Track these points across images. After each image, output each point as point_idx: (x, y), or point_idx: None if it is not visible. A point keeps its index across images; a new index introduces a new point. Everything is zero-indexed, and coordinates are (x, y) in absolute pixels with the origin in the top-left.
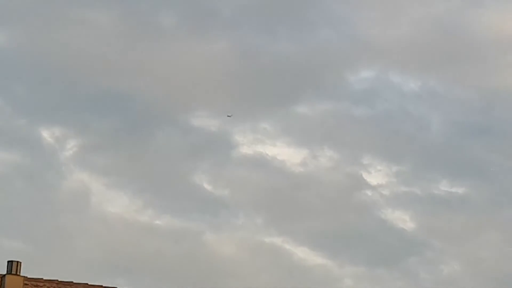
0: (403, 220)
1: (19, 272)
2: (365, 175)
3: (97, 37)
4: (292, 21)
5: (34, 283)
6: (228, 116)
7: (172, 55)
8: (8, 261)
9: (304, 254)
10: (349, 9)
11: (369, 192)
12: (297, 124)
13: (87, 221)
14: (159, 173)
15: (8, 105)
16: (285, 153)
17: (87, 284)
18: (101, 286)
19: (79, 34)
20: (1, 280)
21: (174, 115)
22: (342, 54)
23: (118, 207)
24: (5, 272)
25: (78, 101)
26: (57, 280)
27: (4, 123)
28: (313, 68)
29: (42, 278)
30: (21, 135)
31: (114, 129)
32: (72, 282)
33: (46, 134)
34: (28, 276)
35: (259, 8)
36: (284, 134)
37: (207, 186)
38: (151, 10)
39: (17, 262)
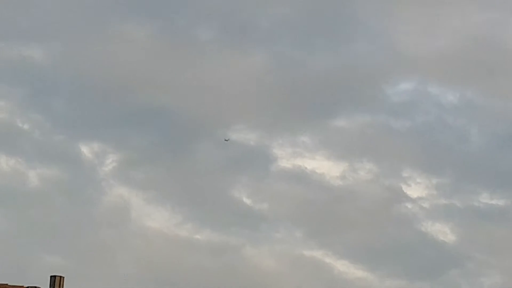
0: (443, 232)
1: (62, 287)
2: (404, 188)
3: (136, 52)
4: (330, 34)
5: None
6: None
7: (210, 69)
8: (51, 276)
9: (344, 267)
10: (387, 22)
11: (409, 205)
12: (335, 137)
13: (127, 236)
14: (198, 187)
15: (47, 121)
16: (324, 166)
17: None
18: None
19: (117, 50)
20: None
21: (212, 129)
22: (380, 67)
23: (157, 221)
24: (48, 287)
25: (117, 116)
26: None
27: (44, 139)
28: (351, 81)
29: None
30: (60, 150)
31: (152, 143)
32: None
33: (86, 150)
34: None
35: (297, 22)
36: (323, 147)
37: (247, 200)
38: (188, 24)
39: (60, 276)
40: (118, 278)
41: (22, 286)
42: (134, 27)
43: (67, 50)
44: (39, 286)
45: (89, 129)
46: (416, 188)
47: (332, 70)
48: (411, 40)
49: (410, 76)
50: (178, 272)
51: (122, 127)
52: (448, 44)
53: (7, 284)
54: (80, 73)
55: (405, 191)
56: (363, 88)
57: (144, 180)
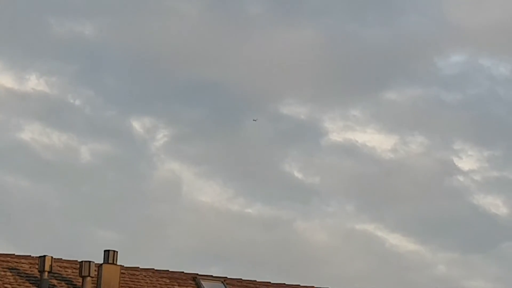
0: (495, 205)
1: (116, 261)
2: (456, 161)
3: (186, 27)
4: (381, 6)
5: (131, 272)
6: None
7: (260, 43)
8: (105, 251)
9: (396, 241)
10: None
11: (460, 178)
12: (387, 110)
13: (178, 211)
14: (249, 162)
15: (99, 96)
16: (375, 140)
17: (182, 272)
18: (196, 274)
19: (168, 24)
20: (98, 269)
21: (263, 103)
22: (431, 39)
23: (209, 196)
24: (102, 262)
25: (168, 91)
26: (153, 268)
27: (95, 114)
28: (402, 54)
29: (138, 267)
30: (112, 126)
31: (204, 118)
32: (168, 270)
33: (137, 125)
34: (125, 265)
35: None
36: (374, 121)
37: (298, 174)
38: None
39: (114, 251)
40: (170, 252)
41: (76, 261)
42: (185, 2)
43: (118, 26)
44: (93, 261)
45: (140, 104)
46: (468, 160)
47: (383, 43)
48: (463, 11)
49: (461, 48)
50: (230, 246)
51: (173, 102)
52: (500, 16)
53: (61, 259)
54: (131, 49)
55: (456, 164)
56: (415, 61)
57: (196, 154)
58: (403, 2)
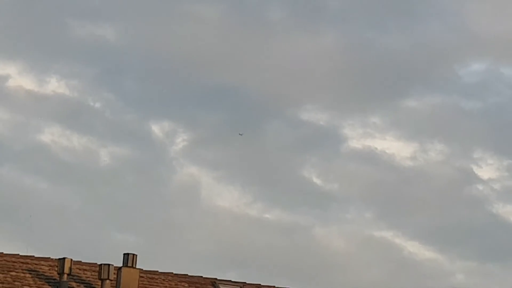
0: None
1: (135, 265)
2: (475, 169)
3: (206, 32)
4: (401, 14)
5: (150, 275)
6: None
7: (280, 49)
8: (124, 254)
9: (414, 249)
10: (460, 1)
11: (480, 186)
12: (406, 117)
13: (197, 215)
14: (268, 167)
15: (119, 100)
16: (395, 147)
17: (201, 277)
18: (215, 279)
19: (188, 29)
20: (118, 272)
21: (282, 109)
22: (451, 47)
23: (227, 200)
24: (121, 265)
25: (188, 96)
26: (172, 272)
27: (115, 118)
28: (422, 62)
29: (157, 271)
30: (131, 129)
31: (223, 123)
32: (187, 274)
33: (156, 129)
34: (144, 269)
35: (367, 1)
36: (394, 128)
37: (316, 180)
38: (259, 4)
39: (133, 254)
40: (188, 256)
41: (95, 264)
42: (205, 7)
43: (138, 30)
44: (112, 264)
45: (159, 108)
46: (487, 169)
47: (403, 50)
48: (484, 20)
49: (482, 57)
50: (248, 251)
51: (193, 106)
52: None
53: (80, 261)
54: (152, 53)
55: (476, 172)
56: (435, 69)
57: (215, 159)
58: (423, 10)
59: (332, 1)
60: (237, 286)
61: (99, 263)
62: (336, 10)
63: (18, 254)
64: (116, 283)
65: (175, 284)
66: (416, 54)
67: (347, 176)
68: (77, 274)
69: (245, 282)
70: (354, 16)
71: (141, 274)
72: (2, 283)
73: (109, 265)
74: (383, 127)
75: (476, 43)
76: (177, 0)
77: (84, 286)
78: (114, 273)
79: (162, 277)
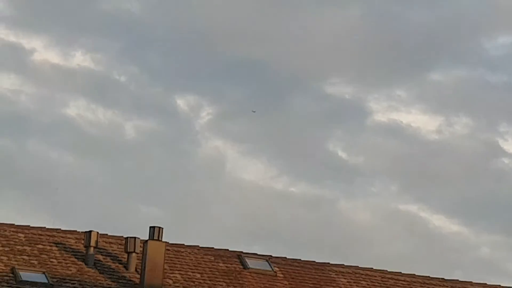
0: None
1: (161, 238)
2: (501, 142)
3: (232, 5)
4: None
5: (176, 248)
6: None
7: (306, 22)
8: (150, 227)
9: (439, 222)
10: None
11: (505, 160)
12: (432, 91)
13: (222, 188)
14: (294, 140)
15: (144, 73)
16: (420, 121)
17: (227, 250)
18: (241, 252)
19: (214, 2)
20: (144, 245)
21: (308, 82)
22: (478, 20)
23: (253, 174)
24: (147, 238)
25: (213, 69)
26: (198, 246)
27: (140, 91)
28: (448, 34)
29: (183, 244)
30: (156, 103)
31: (248, 96)
32: (212, 248)
33: (181, 102)
34: (169, 242)
35: None
36: (419, 101)
37: (342, 154)
38: None
39: (159, 228)
40: (214, 230)
41: (122, 237)
42: None
43: (163, 3)
44: (138, 237)
45: (184, 81)
46: None
47: (429, 23)
48: None
49: (509, 30)
50: (273, 224)
51: (218, 80)
52: None
53: (107, 234)
54: (177, 26)
55: (501, 145)
56: (461, 42)
57: (240, 133)
58: None
59: None
60: (263, 259)
61: (125, 236)
62: None
63: (45, 227)
64: (142, 256)
65: (201, 257)
66: (442, 27)
67: (372, 150)
68: (103, 247)
69: (271, 255)
70: None
71: (167, 247)
72: (29, 256)
73: (135, 238)
74: (409, 101)
75: (503, 16)
76: None
77: (110, 259)
78: (140, 246)
79: (188, 250)
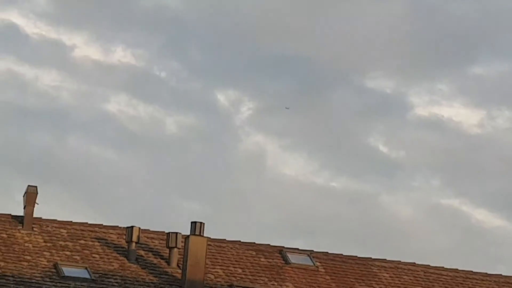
0: None
1: (203, 233)
2: None
3: (271, 0)
4: None
5: (218, 244)
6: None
7: (347, 16)
8: (192, 222)
9: (482, 216)
10: None
11: None
12: (473, 84)
13: (263, 183)
14: (334, 135)
15: (184, 68)
16: (462, 114)
17: (268, 244)
18: (283, 247)
19: None
20: (185, 240)
21: (348, 76)
22: None
23: (293, 168)
24: (188, 233)
25: (253, 64)
26: (239, 241)
27: (180, 86)
28: (489, 27)
29: (225, 239)
30: (197, 98)
31: (288, 91)
32: (254, 243)
33: (222, 97)
34: (211, 237)
35: None
36: (461, 95)
37: (383, 148)
38: None
39: (201, 223)
40: (255, 225)
41: (163, 232)
42: None
43: None
44: (180, 232)
45: (225, 76)
46: None
47: (470, 16)
48: None
49: None
50: (315, 219)
51: (258, 75)
52: None
53: (148, 230)
54: (217, 21)
55: None
56: (502, 35)
57: (280, 127)
58: None
59: None
60: (305, 254)
61: (166, 231)
62: None
63: (87, 223)
64: (184, 251)
65: (243, 252)
66: (483, 20)
67: (413, 144)
68: (145, 243)
69: (312, 250)
70: None
71: (209, 242)
72: (71, 251)
73: (176, 233)
74: (450, 94)
75: None
76: None
77: (152, 254)
78: (182, 242)
79: (230, 245)
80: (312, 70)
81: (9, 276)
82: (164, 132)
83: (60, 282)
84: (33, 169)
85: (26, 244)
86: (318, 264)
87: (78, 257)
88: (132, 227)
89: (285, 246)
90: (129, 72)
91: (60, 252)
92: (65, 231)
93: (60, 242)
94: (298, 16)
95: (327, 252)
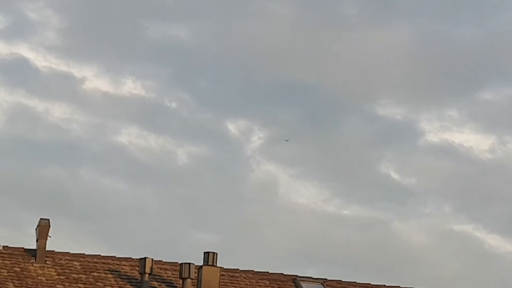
0: None
1: (216, 263)
2: None
3: (279, 29)
4: (474, 5)
5: (231, 273)
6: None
7: (355, 44)
8: (205, 252)
9: (495, 241)
10: None
11: None
12: (483, 110)
13: (275, 212)
14: (345, 163)
15: (194, 99)
16: (472, 140)
17: (282, 274)
18: (296, 275)
19: (261, 26)
20: (198, 271)
21: (358, 104)
22: None
23: (305, 197)
24: (201, 263)
25: (262, 93)
26: (252, 270)
27: (191, 117)
28: (498, 53)
29: (238, 269)
30: (207, 128)
31: (298, 119)
32: (267, 272)
33: (232, 127)
34: (224, 267)
35: None
36: (471, 121)
37: (394, 175)
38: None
39: (213, 253)
40: (267, 254)
41: (176, 263)
42: (278, 4)
43: (212, 28)
44: (193, 263)
45: (234, 106)
46: None
47: (478, 42)
48: None
49: None
50: (327, 247)
51: (268, 104)
52: None
53: (161, 261)
54: (225, 51)
55: None
56: (511, 60)
57: (291, 156)
58: (498, 1)
59: None
60: (318, 282)
61: (179, 262)
62: (409, 3)
63: (100, 255)
64: (197, 281)
65: (256, 282)
66: (491, 45)
67: (425, 170)
68: (158, 274)
69: (325, 279)
70: (427, 8)
71: (222, 272)
72: (85, 283)
73: (189, 264)
74: (460, 120)
75: None
76: None
77: (166, 286)
78: (195, 272)
79: (243, 275)
80: (322, 98)
81: None
82: (176, 163)
83: None
84: (45, 202)
85: (39, 278)
86: None
87: None
88: (145, 258)
89: (298, 275)
90: (140, 104)
91: (74, 285)
92: (78, 263)
93: (73, 275)
94: (307, 44)
95: (340, 280)
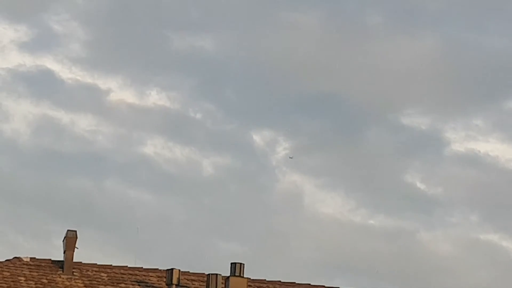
0: None
1: (243, 274)
2: None
3: (305, 39)
4: (501, 14)
5: (258, 284)
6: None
7: (380, 53)
8: (232, 263)
9: None
10: None
11: None
12: (509, 119)
13: (301, 222)
14: (371, 173)
15: (219, 109)
16: (498, 149)
17: (309, 284)
18: (323, 286)
19: (287, 37)
20: (226, 282)
21: (383, 114)
22: None
23: (331, 207)
24: (228, 274)
25: (287, 104)
26: (279, 281)
27: (216, 128)
28: None
29: (265, 280)
30: (233, 139)
31: (324, 130)
32: (294, 283)
33: (257, 138)
34: (251, 278)
35: (466, 2)
36: (497, 130)
37: (420, 185)
38: (357, 9)
39: (240, 264)
40: (293, 264)
41: (203, 273)
42: (303, 14)
43: (237, 39)
44: (220, 273)
45: (260, 117)
46: None
47: (504, 51)
48: None
49: None
50: (353, 257)
51: (293, 114)
52: None
53: (188, 272)
54: (251, 62)
55: None
56: None
57: (317, 166)
58: None
59: (430, 3)
60: None
61: (206, 273)
62: (434, 12)
63: (127, 266)
64: None
65: None
66: None
67: (451, 180)
68: (185, 285)
69: None
70: (452, 17)
71: (249, 283)
72: None
73: (217, 274)
74: (486, 130)
75: None
76: (275, 8)
77: None
78: (222, 283)
79: (270, 286)
80: (346, 108)
81: None
82: (201, 174)
83: None
84: (71, 213)
85: None
86: None
87: None
88: (172, 269)
89: (326, 286)
90: (165, 115)
91: None
92: (105, 275)
93: (101, 286)
94: (332, 54)
95: None
